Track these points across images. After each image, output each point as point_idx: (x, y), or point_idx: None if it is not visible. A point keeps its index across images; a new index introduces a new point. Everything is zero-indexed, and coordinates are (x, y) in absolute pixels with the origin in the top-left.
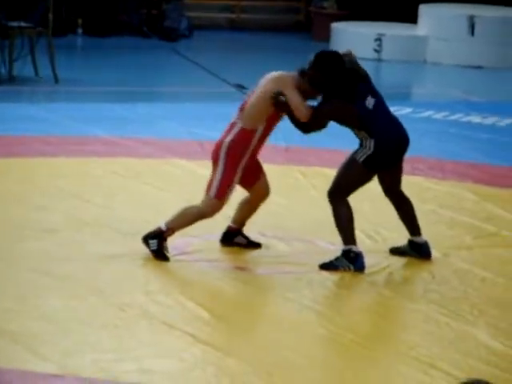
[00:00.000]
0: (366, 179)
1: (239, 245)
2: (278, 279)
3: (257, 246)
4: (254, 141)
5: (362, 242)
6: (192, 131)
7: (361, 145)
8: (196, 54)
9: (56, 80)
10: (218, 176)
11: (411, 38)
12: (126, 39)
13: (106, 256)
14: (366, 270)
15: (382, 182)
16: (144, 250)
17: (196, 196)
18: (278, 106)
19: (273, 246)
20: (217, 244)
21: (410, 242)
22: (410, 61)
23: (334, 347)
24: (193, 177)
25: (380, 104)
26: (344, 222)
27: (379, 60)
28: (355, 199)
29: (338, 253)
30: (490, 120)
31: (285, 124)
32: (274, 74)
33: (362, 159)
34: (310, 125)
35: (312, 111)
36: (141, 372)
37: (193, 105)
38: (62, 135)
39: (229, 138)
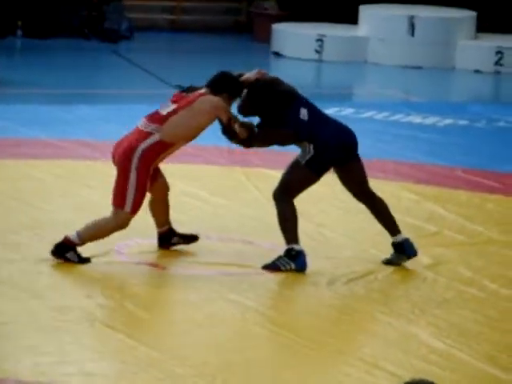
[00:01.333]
0: (309, 181)
1: (178, 244)
2: (221, 281)
3: (194, 238)
4: (169, 152)
5: (306, 244)
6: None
7: (303, 150)
8: (137, 56)
9: None
10: (132, 189)
11: (352, 38)
12: (67, 41)
13: (46, 259)
14: (309, 271)
15: (346, 185)
16: (83, 253)
17: None
18: (227, 134)
19: (215, 247)
20: (156, 246)
21: (393, 245)
22: (351, 61)
23: (277, 348)
24: None
25: (312, 111)
26: (288, 222)
27: (320, 61)
28: (300, 202)
29: (281, 253)
30: (430, 120)
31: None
32: (207, 97)
33: (304, 161)
34: (252, 145)
35: (257, 133)
36: (82, 375)
37: (133, 106)
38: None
39: (143, 146)
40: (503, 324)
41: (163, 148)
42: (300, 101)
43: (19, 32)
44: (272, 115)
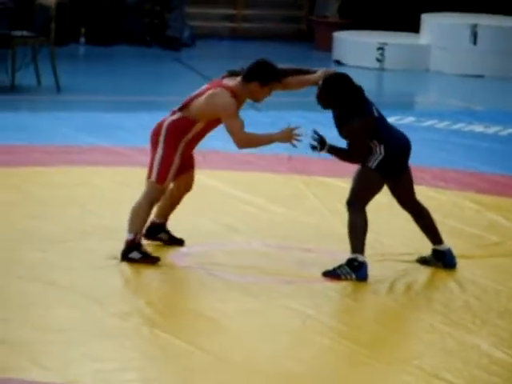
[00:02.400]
0: (380, 185)
1: (162, 240)
2: (280, 289)
3: (179, 242)
4: (192, 131)
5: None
6: None
7: (370, 152)
8: (199, 63)
9: (58, 89)
10: (158, 159)
11: (413, 47)
12: (129, 48)
13: (105, 266)
14: (369, 280)
15: (395, 194)
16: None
17: (197, 205)
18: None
19: (274, 255)
20: (219, 254)
21: (434, 251)
22: (412, 70)
23: (337, 356)
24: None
25: (378, 111)
26: (358, 231)
27: (382, 69)
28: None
29: (343, 261)
30: (492, 129)
31: None
32: (213, 92)
33: (374, 165)
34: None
35: (350, 134)
36: (144, 381)
37: None
38: (61, 144)
39: (169, 120)
40: None
41: (185, 123)
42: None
43: (82, 39)
44: (350, 108)
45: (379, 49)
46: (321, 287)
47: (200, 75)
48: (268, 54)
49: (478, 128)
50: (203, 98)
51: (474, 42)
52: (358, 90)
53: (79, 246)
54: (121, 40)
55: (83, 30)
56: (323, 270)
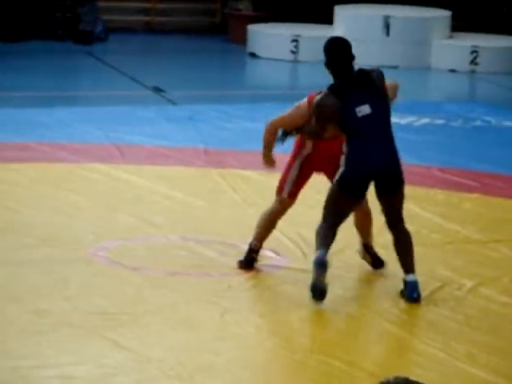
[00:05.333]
0: (340, 200)
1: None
2: (199, 282)
3: (380, 264)
4: (307, 146)
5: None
6: (109, 135)
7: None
8: (112, 58)
9: None
10: (282, 175)
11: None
12: (41, 43)
13: (21, 262)
14: (288, 275)
15: (383, 214)
16: (60, 255)
17: (115, 200)
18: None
19: (194, 249)
20: (138, 249)
21: (404, 281)
22: None
23: (255, 349)
24: (110, 181)
25: (375, 121)
26: (316, 237)
27: (296, 61)
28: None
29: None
30: (406, 120)
31: (202, 126)
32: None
33: (337, 178)
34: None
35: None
36: (61, 378)
37: (110, 108)
38: None
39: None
40: (482, 323)
41: (298, 141)
42: (376, 97)
43: None
44: (333, 73)
45: (293, 41)
46: (239, 280)
47: (113, 69)
48: (182, 47)
49: (393, 119)
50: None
51: (387, 33)
52: (340, 61)
53: None
54: (33, 35)
55: None
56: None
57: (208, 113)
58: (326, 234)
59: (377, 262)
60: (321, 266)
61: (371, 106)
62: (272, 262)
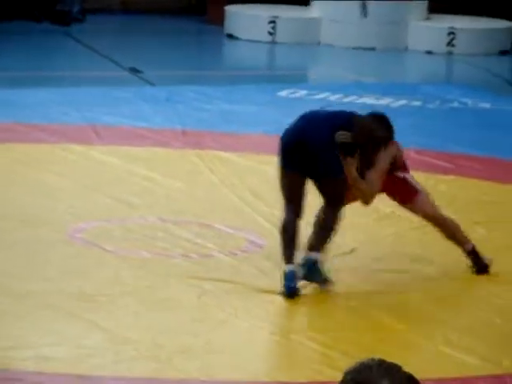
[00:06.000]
0: (281, 176)
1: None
2: (177, 263)
3: (484, 270)
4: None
5: None
6: (86, 116)
7: None
8: (89, 38)
9: None
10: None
11: (305, 20)
12: (17, 24)
13: (2, 244)
14: (262, 258)
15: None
16: (38, 237)
17: (92, 181)
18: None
19: (172, 231)
20: (116, 230)
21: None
22: (304, 43)
23: (232, 331)
24: (88, 162)
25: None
26: (280, 238)
27: (274, 42)
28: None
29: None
30: (383, 101)
31: (180, 107)
32: None
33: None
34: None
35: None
36: (38, 359)
37: (87, 89)
38: None
39: None
40: (456, 304)
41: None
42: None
43: None
44: None
45: (271, 22)
46: (216, 262)
47: (91, 50)
48: (159, 28)
49: (370, 100)
50: None
51: (365, 15)
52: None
53: None
54: (8, 15)
55: None
56: (219, 244)
57: (186, 94)
58: (286, 240)
59: (481, 268)
60: (291, 295)
61: None
62: (251, 243)
